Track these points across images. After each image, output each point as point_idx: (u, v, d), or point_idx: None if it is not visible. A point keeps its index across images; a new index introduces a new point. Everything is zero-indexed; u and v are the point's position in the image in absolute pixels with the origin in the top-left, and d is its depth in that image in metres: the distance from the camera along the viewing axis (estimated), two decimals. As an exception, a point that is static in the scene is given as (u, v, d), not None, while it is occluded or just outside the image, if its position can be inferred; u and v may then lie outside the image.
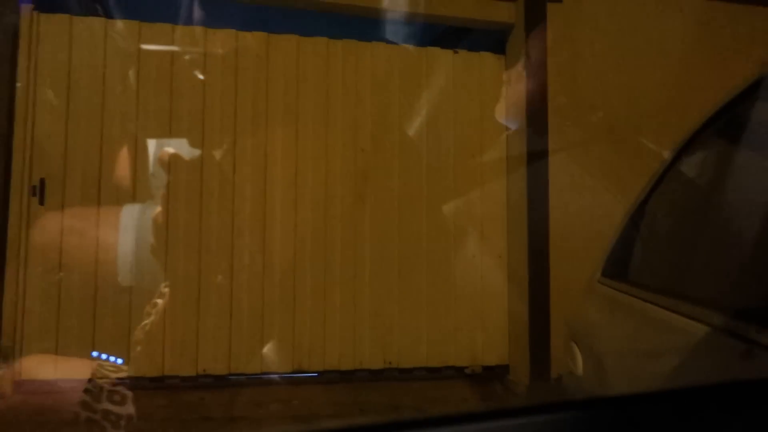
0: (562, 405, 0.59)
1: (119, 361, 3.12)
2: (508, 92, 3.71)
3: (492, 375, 3.60)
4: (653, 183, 1.47)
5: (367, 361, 3.47)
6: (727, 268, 0.96)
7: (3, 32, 3.14)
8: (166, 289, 3.24)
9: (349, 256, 3.47)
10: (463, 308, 3.59)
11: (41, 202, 3.18)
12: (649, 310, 1.11)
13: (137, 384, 3.15)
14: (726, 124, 1.27)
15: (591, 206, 3.30)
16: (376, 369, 3.48)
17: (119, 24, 3.32)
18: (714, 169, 1.22)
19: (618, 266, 1.49)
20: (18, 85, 3.16)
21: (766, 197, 1.02)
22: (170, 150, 3.33)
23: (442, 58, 3.72)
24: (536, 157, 3.45)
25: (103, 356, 3.16)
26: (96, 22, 3.28)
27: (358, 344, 3.46)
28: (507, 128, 3.69)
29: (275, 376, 3.38)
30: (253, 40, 3.49)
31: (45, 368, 3.12)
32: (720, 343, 0.80)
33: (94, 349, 3.16)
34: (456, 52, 3.74)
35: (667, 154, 1.49)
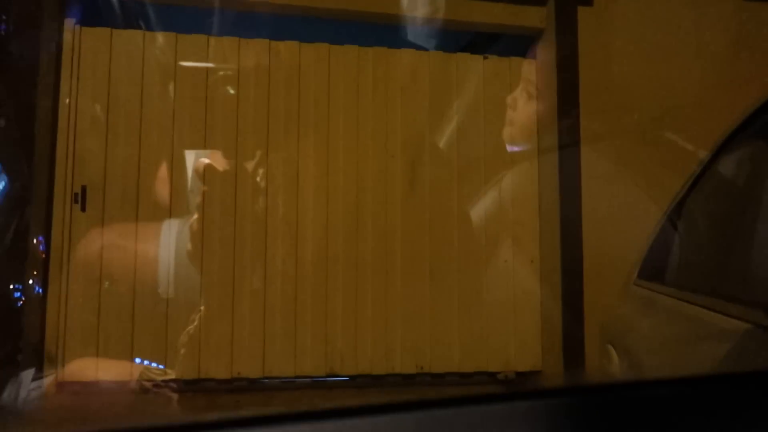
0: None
1: (155, 364, 3.20)
2: (539, 97, 3.70)
3: (525, 381, 3.57)
4: (690, 184, 1.46)
5: (399, 366, 3.48)
6: (768, 266, 0.96)
7: (48, 46, 3.27)
8: (204, 297, 3.32)
9: (380, 262, 3.50)
10: (495, 314, 3.57)
11: (83, 209, 3.29)
12: (689, 310, 1.11)
13: (175, 387, 3.23)
14: (766, 123, 1.26)
15: (625, 210, 3.27)
16: (408, 374, 3.49)
17: (156, 36, 3.43)
18: (754, 168, 1.21)
19: (654, 268, 1.48)
20: (66, 101, 3.29)
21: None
22: (205, 159, 3.40)
23: (472, 63, 3.73)
24: (568, 161, 3.43)
25: (142, 361, 3.25)
26: (135, 35, 3.39)
27: (390, 349, 3.48)
28: (537, 133, 3.68)
29: (308, 379, 3.41)
30: (285, 49, 3.56)
31: (86, 371, 3.22)
32: (764, 340, 0.80)
33: (132, 353, 3.25)
34: (486, 58, 3.75)
35: (703, 155, 1.47)
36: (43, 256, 3.20)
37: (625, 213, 3.25)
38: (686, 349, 1.07)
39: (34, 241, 3.19)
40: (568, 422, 0.53)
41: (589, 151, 3.46)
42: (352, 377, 3.45)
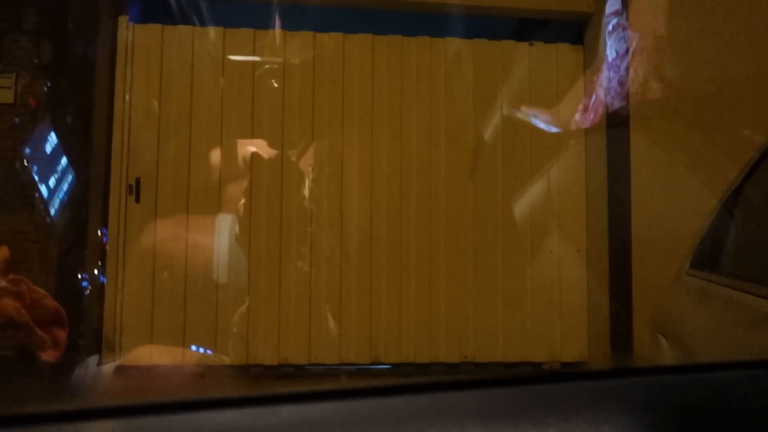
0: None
1: (206, 350, 3.31)
2: (587, 83, 3.62)
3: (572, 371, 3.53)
4: (746, 172, 1.42)
5: (443, 355, 3.50)
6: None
7: (105, 44, 3.40)
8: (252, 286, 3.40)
9: (424, 251, 3.51)
10: (540, 303, 3.54)
11: (137, 200, 3.42)
12: (746, 299, 1.08)
13: (225, 372, 3.34)
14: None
15: (676, 197, 3.17)
16: (452, 363, 3.50)
17: (206, 31, 3.51)
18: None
19: (709, 257, 1.45)
20: (121, 96, 3.41)
21: None
22: (252, 149, 3.48)
23: (518, 50, 3.68)
24: (617, 149, 3.35)
25: (194, 347, 3.37)
26: (184, 31, 3.49)
27: (434, 338, 3.50)
28: (585, 121, 3.60)
29: (352, 367, 3.47)
30: (329, 41, 3.59)
31: (143, 356, 3.35)
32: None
33: (184, 339, 3.37)
34: (531, 44, 3.69)
35: (761, 140, 1.42)
36: (106, 247, 3.34)
37: (677, 200, 3.16)
38: (743, 338, 1.05)
39: (98, 233, 3.34)
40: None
41: (639, 137, 3.37)
42: (396, 365, 3.48)
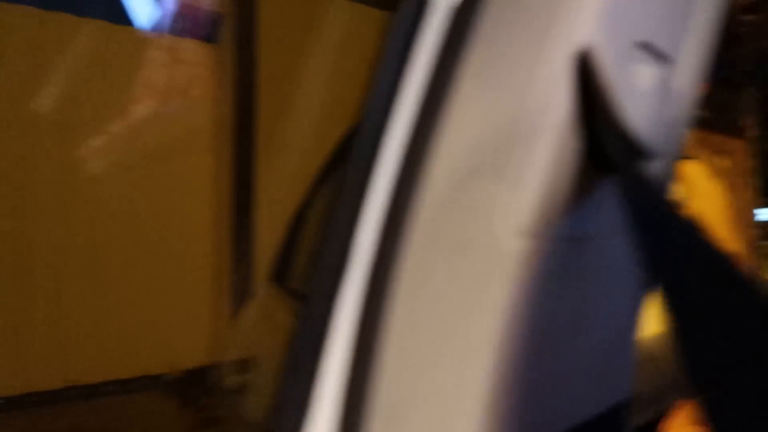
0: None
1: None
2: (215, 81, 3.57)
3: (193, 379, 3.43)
4: (314, 184, 1.48)
5: (42, 382, 2.99)
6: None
7: None
8: None
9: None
10: (157, 312, 3.32)
11: None
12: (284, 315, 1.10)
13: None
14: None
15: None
16: (53, 390, 3.02)
17: None
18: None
19: (280, 269, 1.48)
20: None
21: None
22: None
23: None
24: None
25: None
26: None
27: (27, 363, 2.96)
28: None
29: None
30: None
31: None
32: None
33: None
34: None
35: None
36: None
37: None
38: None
39: None
40: None
41: (266, 143, 3.49)
42: None
